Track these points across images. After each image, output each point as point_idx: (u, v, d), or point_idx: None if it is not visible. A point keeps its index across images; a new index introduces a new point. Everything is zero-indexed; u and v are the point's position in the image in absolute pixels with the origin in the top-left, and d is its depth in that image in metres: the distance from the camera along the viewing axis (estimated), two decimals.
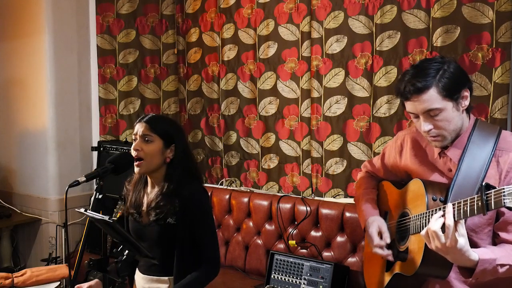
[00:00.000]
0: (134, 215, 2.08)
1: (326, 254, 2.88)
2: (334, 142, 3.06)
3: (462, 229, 1.45)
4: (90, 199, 1.95)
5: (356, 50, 2.94)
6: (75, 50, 3.77)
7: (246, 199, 3.21)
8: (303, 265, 2.74)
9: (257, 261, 3.09)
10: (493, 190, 1.32)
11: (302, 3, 3.11)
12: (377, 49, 2.87)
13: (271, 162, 3.37)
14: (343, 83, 3.00)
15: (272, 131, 3.35)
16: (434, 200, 1.63)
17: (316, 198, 3.12)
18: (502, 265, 1.52)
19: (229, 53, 3.48)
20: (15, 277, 2.75)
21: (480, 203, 1.35)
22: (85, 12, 3.82)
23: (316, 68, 3.08)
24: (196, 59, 3.66)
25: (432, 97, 1.59)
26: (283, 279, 2.78)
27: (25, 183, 3.88)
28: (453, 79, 1.61)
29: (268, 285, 2.78)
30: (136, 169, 1.98)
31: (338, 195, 3.07)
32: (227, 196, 3.29)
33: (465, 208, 1.41)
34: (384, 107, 2.88)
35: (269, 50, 3.29)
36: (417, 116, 1.67)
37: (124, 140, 3.70)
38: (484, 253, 1.51)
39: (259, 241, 3.12)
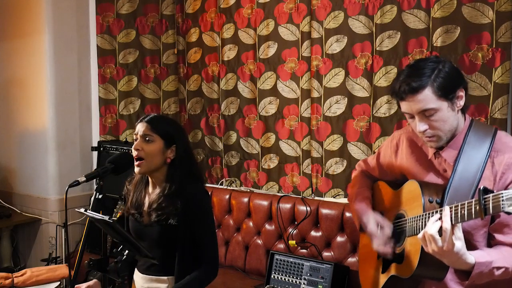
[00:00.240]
0: (135, 215, 2.08)
1: (326, 254, 2.88)
2: (334, 142, 3.06)
3: (459, 232, 1.44)
4: (90, 199, 1.95)
5: (356, 50, 2.94)
6: (75, 50, 3.77)
7: (246, 199, 3.21)
8: (303, 265, 2.74)
9: (257, 261, 3.09)
10: (491, 195, 1.31)
11: (302, 3, 3.12)
12: (377, 49, 2.87)
13: (271, 162, 3.37)
14: (343, 83, 3.00)
15: (272, 131, 3.35)
16: (431, 202, 1.63)
17: (316, 198, 3.12)
18: (498, 268, 1.51)
19: (229, 53, 3.48)
20: (15, 277, 2.75)
21: (478, 207, 1.35)
22: (85, 12, 3.82)
23: (316, 68, 3.08)
24: (196, 59, 3.66)
25: (427, 97, 1.58)
26: (283, 279, 2.78)
27: (25, 183, 3.88)
28: (448, 78, 1.60)
29: (268, 285, 2.78)
30: (136, 169, 1.98)
31: (338, 195, 3.07)
32: (227, 196, 3.29)
33: (463, 211, 1.41)
34: (384, 107, 2.88)
35: (269, 50, 3.29)
36: (412, 116, 1.66)
37: (124, 140, 3.70)
38: (481, 256, 1.51)
39: (259, 241, 3.12)
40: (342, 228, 2.86)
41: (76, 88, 3.79)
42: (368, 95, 2.93)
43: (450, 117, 1.63)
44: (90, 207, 1.79)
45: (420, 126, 1.63)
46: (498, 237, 1.61)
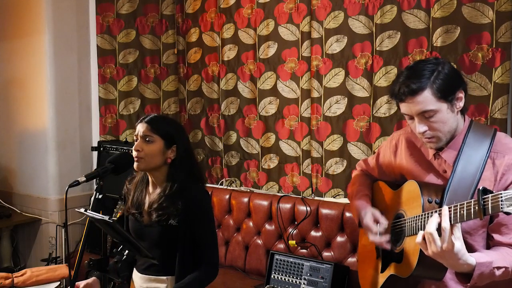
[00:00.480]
0: (135, 215, 2.08)
1: (326, 254, 2.88)
2: (334, 142, 3.07)
3: (458, 232, 1.44)
4: (90, 199, 1.95)
5: (356, 50, 2.94)
6: (75, 50, 3.77)
7: (246, 199, 3.21)
8: (303, 265, 2.74)
9: (257, 261, 3.09)
10: (490, 195, 1.31)
11: (302, 3, 3.12)
12: (377, 49, 2.87)
13: (271, 162, 3.37)
14: (343, 83, 3.00)
15: (272, 131, 3.35)
16: (430, 202, 1.63)
17: (316, 198, 3.12)
18: (498, 268, 1.51)
19: (229, 53, 3.48)
20: (15, 277, 2.75)
21: (477, 208, 1.35)
22: (85, 12, 3.82)
23: (316, 68, 3.08)
24: (196, 59, 3.66)
25: (427, 99, 1.59)
26: (283, 279, 2.78)
27: (25, 183, 3.88)
28: (448, 80, 1.60)
29: (268, 285, 2.78)
30: (135, 165, 1.97)
31: (338, 195, 3.07)
32: (227, 196, 3.29)
33: (462, 211, 1.41)
34: (384, 107, 2.88)
35: (269, 50, 3.29)
36: (411, 118, 1.66)
37: (124, 140, 3.70)
38: (480, 257, 1.51)
39: (259, 241, 3.12)
40: (342, 228, 2.86)
41: (76, 88, 3.79)
42: (368, 95, 2.93)
43: (450, 118, 1.63)
44: (90, 207, 1.79)
45: (420, 127, 1.63)
46: (497, 237, 1.61)
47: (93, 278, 2.05)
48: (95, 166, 3.80)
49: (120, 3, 3.70)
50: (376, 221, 1.83)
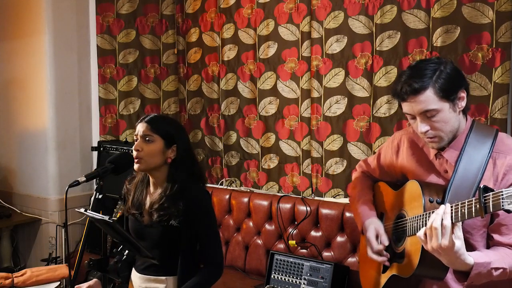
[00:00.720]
0: (136, 215, 2.08)
1: (326, 254, 2.88)
2: (334, 142, 3.07)
3: (459, 231, 1.45)
4: (90, 199, 1.95)
5: (356, 50, 2.94)
6: (75, 50, 3.77)
7: (246, 199, 3.21)
8: (303, 265, 2.74)
9: (257, 261, 3.09)
10: (491, 193, 1.32)
11: (302, 3, 3.12)
12: (377, 49, 2.87)
13: (271, 162, 3.37)
14: (343, 83, 3.00)
15: (272, 131, 3.35)
16: (431, 201, 1.63)
17: (316, 198, 3.12)
18: (496, 269, 1.52)
19: (229, 53, 3.48)
20: (15, 277, 2.75)
21: (478, 206, 1.35)
22: (85, 12, 3.82)
23: (316, 68, 3.08)
24: (196, 59, 3.66)
25: (429, 98, 1.59)
26: (283, 279, 2.78)
27: (25, 183, 3.88)
28: (450, 79, 1.60)
29: (268, 285, 2.78)
30: (136, 166, 1.98)
31: (338, 195, 3.07)
32: (227, 196, 3.29)
33: (463, 210, 1.41)
34: (384, 107, 2.88)
35: (269, 50, 3.29)
36: (413, 117, 1.66)
37: (124, 140, 3.70)
38: (479, 257, 1.51)
39: (259, 241, 3.12)
40: (342, 228, 2.86)
41: (76, 88, 3.79)
42: (368, 95, 2.93)
43: (452, 118, 1.63)
44: (90, 207, 1.79)
45: (422, 127, 1.63)
46: (496, 237, 1.62)
47: (95, 280, 2.05)
48: (95, 166, 3.80)
49: (120, 3, 3.70)
50: (378, 237, 1.83)
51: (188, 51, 3.71)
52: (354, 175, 2.20)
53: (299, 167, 3.25)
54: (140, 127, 2.00)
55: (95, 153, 3.72)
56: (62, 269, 2.91)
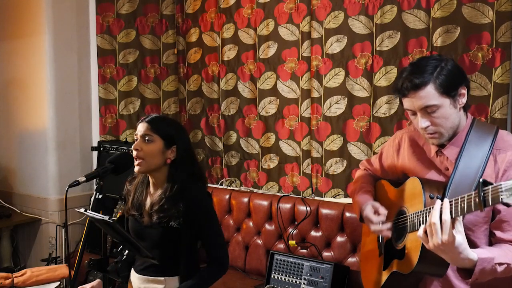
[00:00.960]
0: (135, 216, 2.08)
1: (326, 254, 2.88)
2: (334, 142, 3.07)
3: (459, 226, 1.45)
4: (90, 199, 1.95)
5: (356, 50, 2.94)
6: (75, 50, 3.77)
7: (246, 199, 3.21)
8: (303, 265, 2.74)
9: (257, 261, 3.09)
10: (490, 186, 1.32)
11: (302, 3, 3.12)
12: (377, 49, 2.87)
13: (271, 162, 3.37)
14: (343, 83, 3.00)
15: (272, 131, 3.35)
16: (432, 198, 1.64)
17: (316, 198, 3.12)
18: (500, 264, 1.52)
19: (229, 53, 3.48)
20: (15, 277, 2.75)
21: (477, 199, 1.35)
22: (85, 12, 3.82)
23: (316, 68, 3.08)
24: (196, 59, 3.66)
25: (430, 94, 1.60)
26: (283, 279, 2.78)
27: (25, 183, 3.88)
28: (450, 76, 1.61)
29: (268, 285, 2.78)
30: (136, 168, 1.98)
31: (338, 195, 3.07)
32: (227, 196, 3.29)
33: (462, 204, 1.41)
34: (384, 107, 2.88)
35: (269, 50, 3.29)
36: (414, 113, 1.67)
37: (124, 140, 3.69)
38: (482, 253, 1.51)
39: (259, 241, 3.13)
40: (342, 228, 2.86)
41: (76, 88, 3.79)
42: (368, 95, 2.93)
43: (452, 114, 1.64)
44: (90, 207, 1.79)
45: (422, 122, 1.64)
46: (498, 234, 1.62)
47: (98, 280, 2.05)
48: (95, 166, 3.80)
49: (120, 3, 3.70)
50: (376, 212, 1.84)
51: (188, 51, 3.71)
52: (357, 173, 2.21)
53: (299, 167, 3.25)
54: (141, 127, 2.01)
55: (95, 153, 3.72)
56: (62, 269, 2.90)
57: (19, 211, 3.82)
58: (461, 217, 1.45)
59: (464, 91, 1.65)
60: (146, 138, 1.98)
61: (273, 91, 3.31)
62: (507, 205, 1.28)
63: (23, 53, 3.77)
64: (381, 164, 2.05)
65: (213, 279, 2.03)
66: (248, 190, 3.43)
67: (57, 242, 3.62)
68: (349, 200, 2.93)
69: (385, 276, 1.83)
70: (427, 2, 2.69)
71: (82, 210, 1.76)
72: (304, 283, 2.71)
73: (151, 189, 2.08)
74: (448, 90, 1.60)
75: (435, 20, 2.66)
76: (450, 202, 1.46)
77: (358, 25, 2.91)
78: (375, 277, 1.92)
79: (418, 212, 1.64)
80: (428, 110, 1.62)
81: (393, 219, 1.85)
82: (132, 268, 2.11)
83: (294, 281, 2.75)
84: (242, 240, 3.19)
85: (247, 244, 3.18)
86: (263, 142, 3.40)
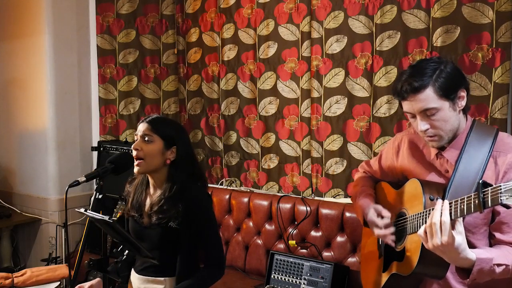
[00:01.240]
0: (135, 217, 2.08)
1: (326, 254, 2.88)
2: (334, 142, 3.07)
3: (460, 226, 1.45)
4: (90, 199, 1.95)
5: (356, 50, 2.94)
6: (75, 50, 3.77)
7: (246, 199, 3.21)
8: (303, 265, 2.74)
9: (257, 261, 3.09)
10: (490, 188, 1.32)
11: (302, 3, 3.12)
12: (377, 49, 2.87)
13: (271, 162, 3.37)
14: (343, 83, 3.00)
15: (272, 131, 3.35)
16: (431, 200, 1.63)
17: (316, 198, 3.12)
18: (499, 265, 1.52)
19: (229, 53, 3.48)
20: (15, 277, 2.75)
21: (477, 201, 1.35)
22: (85, 12, 3.82)
23: (316, 68, 3.08)
24: (196, 59, 3.66)
25: (429, 97, 1.60)
26: (283, 279, 2.78)
27: (25, 183, 3.88)
28: (450, 79, 1.61)
29: (268, 285, 2.78)
30: (135, 169, 1.98)
31: (338, 195, 3.07)
32: (227, 196, 3.29)
33: (462, 206, 1.41)
34: (384, 107, 2.88)
35: (269, 50, 3.29)
36: (414, 116, 1.67)
37: (124, 140, 3.69)
38: (481, 253, 1.51)
39: (259, 241, 3.13)
40: (342, 228, 2.86)
41: (76, 88, 3.79)
42: (368, 95, 2.93)
43: (452, 117, 1.64)
44: (90, 207, 1.79)
45: (422, 125, 1.64)
46: (498, 235, 1.62)
47: (98, 279, 2.05)
48: (95, 166, 3.80)
49: (120, 3, 3.70)
50: (380, 215, 1.84)
51: (188, 51, 3.71)
52: (357, 175, 2.21)
53: (299, 167, 3.25)
54: (141, 127, 2.01)
55: (95, 153, 3.72)
56: (62, 269, 2.90)
57: (19, 211, 3.82)
58: (461, 218, 1.45)
59: (463, 93, 1.65)
60: (146, 138, 1.98)
61: (273, 91, 3.31)
62: (506, 206, 1.28)
63: (23, 53, 3.77)
64: (380, 166, 2.05)
65: (211, 280, 2.03)
66: (248, 190, 3.43)
67: (57, 242, 3.62)
68: (349, 200, 2.93)
69: (384, 278, 1.83)
70: (427, 2, 2.69)
71: (82, 210, 1.76)
72: (304, 283, 2.71)
73: (151, 190, 2.08)
74: (448, 93, 1.60)
75: (435, 20, 2.66)
76: (450, 203, 1.46)
77: (358, 25, 2.91)
78: (374, 279, 1.92)
79: (418, 214, 1.64)
80: (427, 113, 1.62)
81: (393, 221, 1.85)
82: (132, 268, 2.11)
83: (294, 281, 2.75)
84: (242, 240, 3.19)
85: (247, 244, 3.18)
86: (263, 142, 3.40)
